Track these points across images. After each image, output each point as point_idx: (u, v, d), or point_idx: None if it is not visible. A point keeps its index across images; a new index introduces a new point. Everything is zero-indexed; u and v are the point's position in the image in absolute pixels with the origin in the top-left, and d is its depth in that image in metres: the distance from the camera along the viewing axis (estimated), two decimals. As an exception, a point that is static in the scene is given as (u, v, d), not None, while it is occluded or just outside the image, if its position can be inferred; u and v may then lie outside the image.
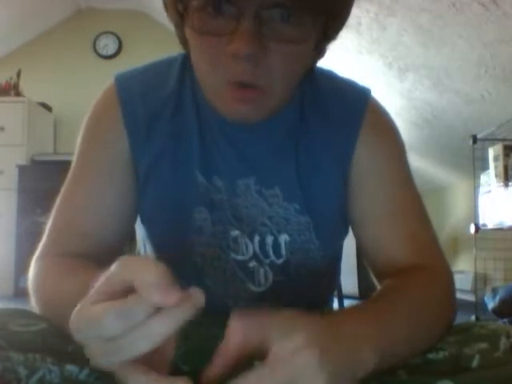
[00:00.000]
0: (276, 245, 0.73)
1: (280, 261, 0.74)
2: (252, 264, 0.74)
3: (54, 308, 0.61)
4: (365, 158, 0.73)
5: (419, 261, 0.68)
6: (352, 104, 0.74)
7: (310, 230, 0.73)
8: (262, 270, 0.74)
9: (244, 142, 0.72)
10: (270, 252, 0.74)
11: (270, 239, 0.73)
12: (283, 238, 0.73)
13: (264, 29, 0.56)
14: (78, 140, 0.74)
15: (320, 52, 0.67)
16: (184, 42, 0.65)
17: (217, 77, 0.60)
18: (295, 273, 0.75)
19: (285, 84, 0.62)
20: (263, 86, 0.59)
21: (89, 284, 0.50)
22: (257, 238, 0.73)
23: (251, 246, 0.73)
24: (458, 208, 4.17)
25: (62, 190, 0.72)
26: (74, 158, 0.74)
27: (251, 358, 0.46)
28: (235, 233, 0.73)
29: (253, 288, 0.74)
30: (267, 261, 0.74)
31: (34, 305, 0.65)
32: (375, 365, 0.50)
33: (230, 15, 0.56)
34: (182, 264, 0.73)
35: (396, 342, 0.55)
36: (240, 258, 0.74)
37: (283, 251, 0.74)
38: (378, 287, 0.70)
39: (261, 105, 0.61)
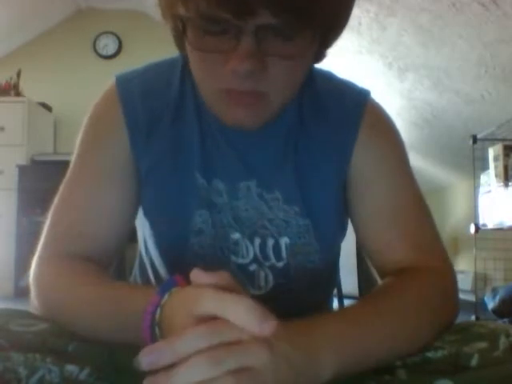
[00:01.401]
0: (277, 247, 0.73)
1: (280, 264, 0.74)
2: (252, 267, 0.74)
3: (63, 311, 0.62)
4: (364, 158, 0.73)
5: (420, 260, 0.69)
6: (350, 105, 0.74)
7: (309, 232, 0.73)
8: (262, 274, 0.74)
9: (244, 145, 0.72)
10: (271, 255, 0.74)
11: (270, 242, 0.73)
12: (284, 241, 0.73)
13: (263, 46, 0.56)
14: (78, 140, 0.74)
15: (319, 57, 0.67)
16: (182, 49, 0.65)
17: (216, 86, 0.60)
18: (295, 275, 0.75)
19: (284, 92, 0.62)
20: (261, 93, 0.59)
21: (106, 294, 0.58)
22: (257, 241, 0.73)
23: (252, 249, 0.73)
24: (458, 208, 4.18)
25: (61, 189, 0.72)
26: (73, 158, 0.73)
27: None
28: (236, 235, 0.73)
29: (253, 291, 0.74)
30: (268, 264, 0.74)
31: (34, 304, 0.65)
32: (335, 374, 0.52)
33: (229, 33, 0.56)
34: (182, 265, 0.73)
35: (373, 344, 0.56)
36: (240, 261, 0.73)
37: (284, 254, 0.74)
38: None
39: (260, 110, 0.62)
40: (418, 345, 0.59)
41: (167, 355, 0.44)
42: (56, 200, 0.71)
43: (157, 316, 0.51)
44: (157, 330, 0.51)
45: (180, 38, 0.63)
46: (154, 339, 0.51)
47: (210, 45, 0.57)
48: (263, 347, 0.45)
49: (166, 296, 0.51)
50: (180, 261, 0.73)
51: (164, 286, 0.52)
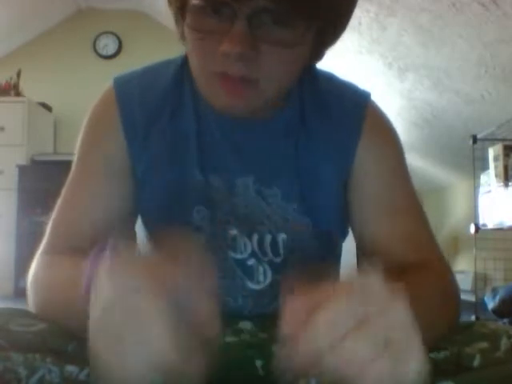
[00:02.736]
0: (274, 243, 0.74)
1: (278, 259, 0.74)
2: (251, 262, 0.74)
3: (55, 302, 0.61)
4: (365, 159, 0.74)
5: (418, 260, 0.69)
6: (352, 106, 0.75)
7: (308, 229, 0.74)
8: (261, 268, 0.74)
9: (243, 141, 0.72)
10: (269, 251, 0.74)
11: (268, 238, 0.74)
12: (281, 237, 0.74)
13: (257, 31, 0.57)
14: (78, 142, 0.75)
15: (317, 55, 0.67)
16: (183, 38, 0.66)
17: (209, 70, 0.61)
18: (294, 271, 0.75)
19: (275, 82, 0.62)
20: (252, 79, 0.60)
21: None
22: (255, 237, 0.73)
23: (249, 245, 0.74)
24: (458, 208, 4.18)
25: (63, 190, 0.73)
26: (73, 160, 0.74)
27: None
28: (234, 232, 0.73)
29: (251, 286, 0.74)
30: (266, 259, 0.74)
31: (30, 299, 0.65)
32: None
33: (224, 16, 0.57)
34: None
35: None
36: (238, 256, 0.74)
37: (281, 250, 0.74)
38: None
39: (250, 98, 0.62)
40: (432, 341, 0.58)
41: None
42: (58, 201, 0.73)
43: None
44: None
45: (181, 24, 0.64)
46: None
47: (206, 26, 0.59)
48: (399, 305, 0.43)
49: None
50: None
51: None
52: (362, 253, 0.77)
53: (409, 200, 0.74)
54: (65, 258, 0.66)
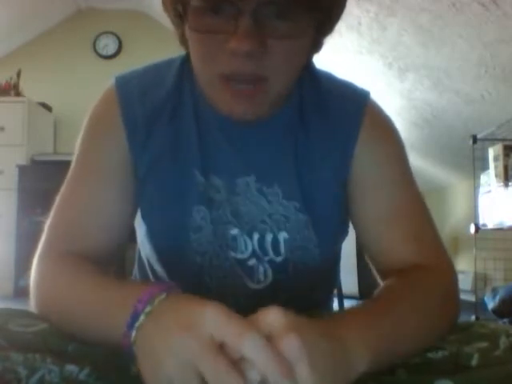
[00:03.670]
0: (275, 243, 0.74)
1: (279, 259, 0.74)
2: (251, 262, 0.74)
3: (57, 309, 0.61)
4: (365, 158, 0.73)
5: (422, 260, 0.69)
6: (351, 105, 0.75)
7: (308, 228, 0.74)
8: (261, 268, 0.74)
9: (243, 140, 0.72)
10: (269, 250, 0.74)
11: (269, 237, 0.74)
12: (282, 236, 0.74)
13: (262, 27, 0.57)
14: (78, 140, 0.75)
15: (317, 46, 0.67)
16: (183, 40, 0.65)
17: (215, 72, 0.61)
18: (294, 271, 0.75)
19: (282, 77, 0.62)
20: (261, 77, 0.60)
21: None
22: (256, 236, 0.73)
23: (250, 244, 0.74)
24: (458, 208, 4.17)
25: (62, 189, 0.73)
26: (73, 158, 0.74)
27: None
28: (234, 231, 0.73)
29: (252, 286, 0.74)
30: (266, 258, 0.74)
31: (32, 303, 0.65)
32: (369, 366, 0.51)
33: (228, 14, 0.57)
34: (181, 263, 0.74)
35: (396, 341, 0.56)
36: (239, 256, 0.74)
37: (282, 249, 0.74)
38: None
39: (258, 101, 0.62)
40: (432, 341, 0.59)
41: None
42: (57, 200, 0.72)
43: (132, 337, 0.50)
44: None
45: (180, 27, 0.64)
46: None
47: (210, 26, 0.58)
48: (294, 339, 0.45)
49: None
50: (179, 259, 0.73)
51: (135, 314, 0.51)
52: (365, 252, 0.76)
53: (411, 199, 0.74)
54: (68, 264, 0.66)
